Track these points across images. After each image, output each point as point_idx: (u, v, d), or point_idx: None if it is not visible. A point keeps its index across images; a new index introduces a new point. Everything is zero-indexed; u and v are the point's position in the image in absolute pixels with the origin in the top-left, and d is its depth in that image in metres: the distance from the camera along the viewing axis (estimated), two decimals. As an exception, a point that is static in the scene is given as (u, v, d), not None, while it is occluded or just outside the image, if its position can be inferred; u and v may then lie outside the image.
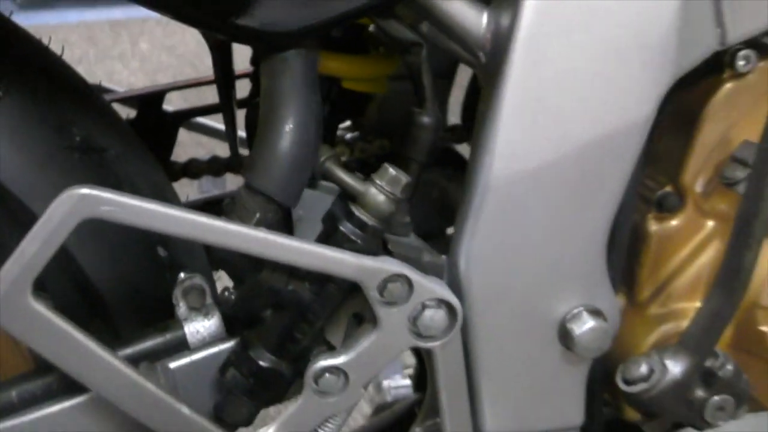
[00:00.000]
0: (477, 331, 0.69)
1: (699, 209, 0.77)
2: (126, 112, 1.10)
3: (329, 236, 0.64)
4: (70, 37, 3.26)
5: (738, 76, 0.73)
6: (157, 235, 0.63)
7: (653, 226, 0.78)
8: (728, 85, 0.73)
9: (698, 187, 0.75)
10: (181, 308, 0.68)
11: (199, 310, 0.68)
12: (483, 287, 0.68)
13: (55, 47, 0.81)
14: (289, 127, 0.65)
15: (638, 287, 0.80)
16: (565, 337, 0.70)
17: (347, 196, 0.66)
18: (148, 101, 1.12)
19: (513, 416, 0.74)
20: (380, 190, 0.64)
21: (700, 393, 0.70)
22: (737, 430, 0.96)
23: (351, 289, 0.65)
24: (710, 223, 0.77)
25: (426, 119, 0.75)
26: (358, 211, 0.64)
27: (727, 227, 0.76)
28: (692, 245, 0.78)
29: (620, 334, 0.77)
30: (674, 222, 0.77)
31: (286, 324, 0.66)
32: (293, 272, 0.64)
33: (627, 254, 0.80)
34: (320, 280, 0.64)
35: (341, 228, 0.64)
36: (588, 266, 0.69)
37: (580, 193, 0.66)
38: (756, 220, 0.65)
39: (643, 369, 0.70)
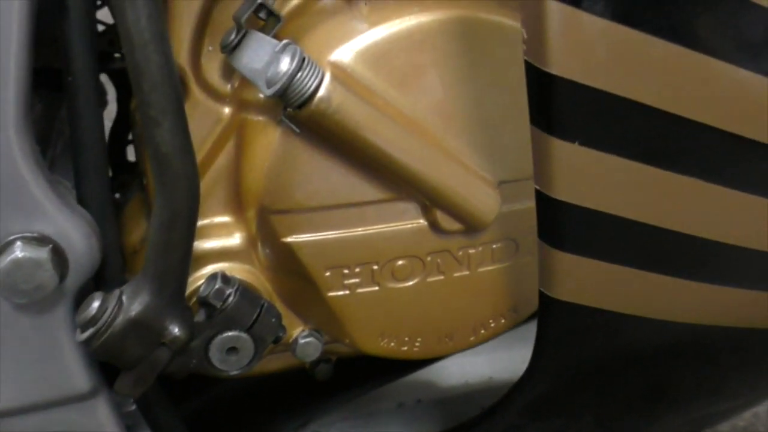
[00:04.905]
0: None
1: (208, 91, 0.59)
2: None
3: None
4: None
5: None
6: None
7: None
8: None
9: (187, 63, 0.57)
10: None
11: None
12: None
13: None
14: None
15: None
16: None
17: None
18: None
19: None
20: None
21: (176, 332, 0.53)
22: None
23: None
24: (227, 110, 0.59)
25: None
26: None
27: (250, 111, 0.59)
28: (212, 140, 0.59)
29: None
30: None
31: None
32: None
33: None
34: None
35: None
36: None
37: None
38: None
39: (94, 308, 0.52)
